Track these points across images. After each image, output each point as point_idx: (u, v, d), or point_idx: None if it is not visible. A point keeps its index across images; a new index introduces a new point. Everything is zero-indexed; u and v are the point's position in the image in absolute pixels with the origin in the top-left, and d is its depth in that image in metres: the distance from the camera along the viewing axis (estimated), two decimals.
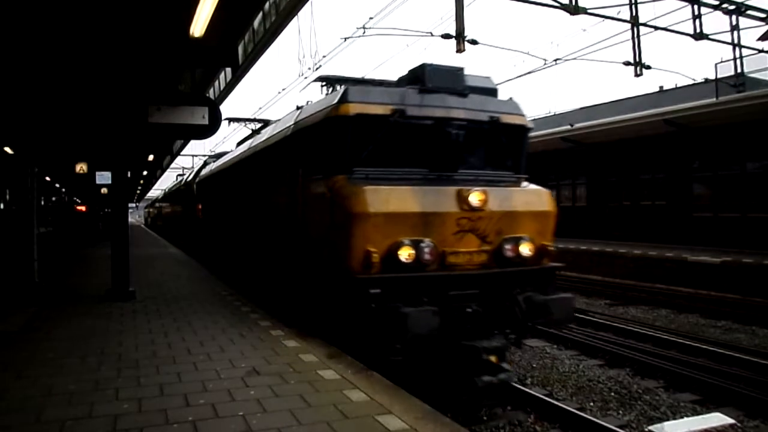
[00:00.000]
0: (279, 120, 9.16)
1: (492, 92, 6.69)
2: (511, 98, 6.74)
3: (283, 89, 17.63)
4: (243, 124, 14.69)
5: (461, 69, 6.47)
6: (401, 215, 5.48)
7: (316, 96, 7.70)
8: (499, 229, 5.88)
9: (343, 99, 5.91)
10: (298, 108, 7.88)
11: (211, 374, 4.85)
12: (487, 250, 5.85)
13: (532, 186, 6.54)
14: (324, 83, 7.65)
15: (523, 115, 6.65)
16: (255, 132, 12.54)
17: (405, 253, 5.42)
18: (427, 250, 5.49)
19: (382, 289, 5.25)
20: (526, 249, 5.96)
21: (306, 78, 14.60)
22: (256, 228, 9.46)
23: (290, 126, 7.55)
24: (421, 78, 6.23)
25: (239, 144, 13.38)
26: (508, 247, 5.88)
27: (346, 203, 5.49)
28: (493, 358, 5.52)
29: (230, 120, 14.54)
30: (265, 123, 12.33)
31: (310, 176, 6.57)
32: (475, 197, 5.70)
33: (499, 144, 6.48)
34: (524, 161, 6.70)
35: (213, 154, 21.60)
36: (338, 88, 7.01)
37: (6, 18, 6.13)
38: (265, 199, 8.81)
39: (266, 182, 8.82)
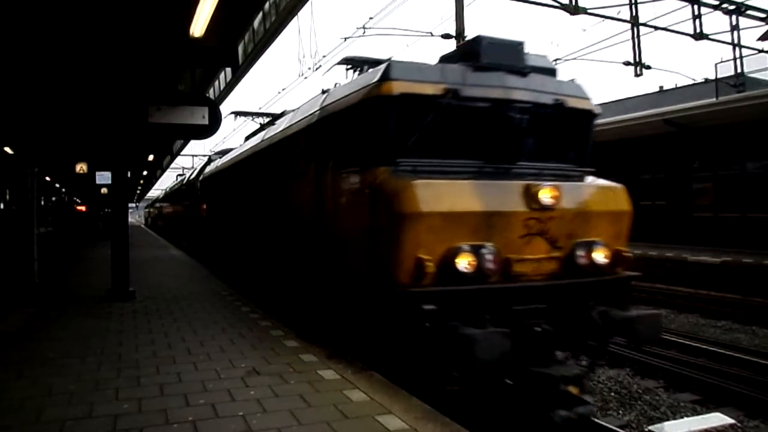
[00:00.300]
0: (298, 107, 8.15)
1: (551, 72, 5.84)
2: (573, 79, 5.94)
3: (283, 89, 17.67)
4: (251, 118, 14.19)
5: (521, 43, 5.62)
6: (460, 215, 4.64)
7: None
8: (571, 232, 5.05)
9: (386, 76, 5.05)
10: (323, 92, 6.95)
11: (211, 374, 4.84)
12: (557, 257, 5.02)
13: (602, 181, 5.68)
14: (350, 66, 6.93)
15: (589, 99, 5.81)
16: (266, 125, 11.58)
17: (464, 261, 4.56)
18: (489, 257, 4.63)
19: (437, 305, 4.43)
20: (600, 255, 5.14)
21: (306, 78, 14.61)
22: (271, 229, 8.63)
23: (315, 112, 6.64)
24: (476, 53, 5.35)
25: (248, 138, 12.61)
26: (581, 253, 5.05)
27: (393, 201, 4.63)
28: (573, 389, 4.78)
29: (237, 114, 14.25)
30: (275, 116, 11.49)
31: (341, 169, 5.70)
32: (546, 194, 4.85)
33: (564, 132, 5.66)
34: (589, 152, 5.91)
35: (217, 151, 20.42)
36: (367, 70, 6.22)
37: (6, 18, 6.13)
38: (283, 196, 7.91)
39: (284, 177, 7.89)
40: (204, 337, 6.26)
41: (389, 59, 5.96)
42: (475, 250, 4.61)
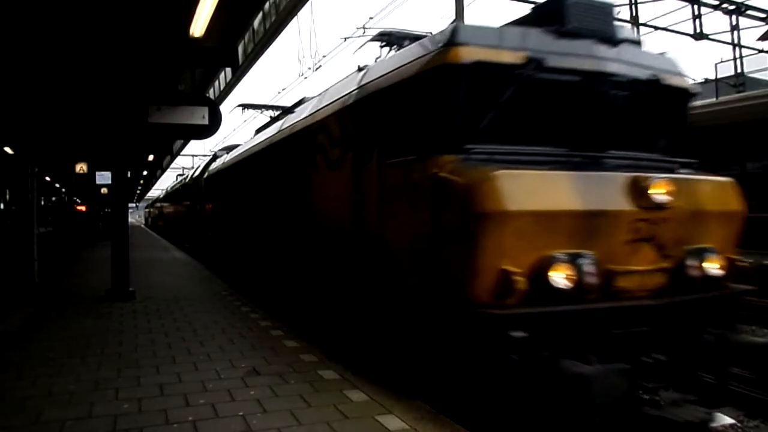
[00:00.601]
0: (326, 90, 7.09)
1: (637, 44, 4.89)
2: (665, 52, 5.02)
3: (283, 89, 17.64)
4: (259, 111, 13.63)
5: (611, 6, 4.64)
6: (556, 216, 3.73)
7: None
8: (682, 237, 4.15)
9: (454, 40, 4.09)
10: (359, 69, 5.98)
11: (211, 374, 4.84)
12: (665, 268, 4.11)
13: (706, 174, 4.72)
14: (385, 43, 6.16)
15: (685, 76, 4.91)
16: (278, 117, 10.57)
17: (561, 275, 3.67)
18: (590, 269, 3.74)
19: (528, 331, 3.56)
20: (715, 266, 4.24)
21: (306, 78, 14.59)
22: (292, 230, 7.63)
23: (352, 92, 5.64)
24: (560, 15, 4.37)
25: (259, 130, 11.66)
26: (692, 263, 4.17)
27: (469, 197, 3.69)
28: None
29: (244, 106, 14.00)
30: (286, 108, 10.60)
31: (391, 158, 4.73)
32: (659, 189, 3.93)
33: (659, 114, 4.75)
34: (686, 139, 4.97)
35: (222, 147, 19.25)
36: (407, 46, 5.30)
37: (6, 18, 6.14)
38: (307, 193, 6.91)
39: (309, 171, 6.83)
40: (204, 337, 6.26)
41: (456, 20, 4.92)
42: (573, 260, 3.74)
